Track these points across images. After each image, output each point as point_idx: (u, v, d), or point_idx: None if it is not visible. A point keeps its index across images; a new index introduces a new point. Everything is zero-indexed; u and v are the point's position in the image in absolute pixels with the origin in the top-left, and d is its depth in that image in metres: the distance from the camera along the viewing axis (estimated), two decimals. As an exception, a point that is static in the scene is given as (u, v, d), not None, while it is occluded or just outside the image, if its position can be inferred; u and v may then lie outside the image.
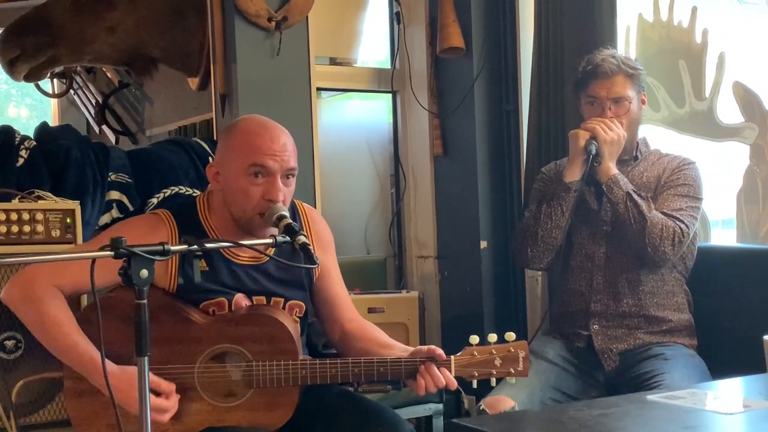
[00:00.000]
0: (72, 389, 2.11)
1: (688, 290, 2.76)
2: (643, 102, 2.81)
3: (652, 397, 1.81)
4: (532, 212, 2.81)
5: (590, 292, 2.73)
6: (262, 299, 2.20)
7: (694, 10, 3.18)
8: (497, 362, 2.10)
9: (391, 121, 4.13)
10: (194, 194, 3.18)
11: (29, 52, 3.72)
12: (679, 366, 2.52)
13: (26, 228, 2.59)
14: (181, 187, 3.21)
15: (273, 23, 3.33)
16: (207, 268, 2.11)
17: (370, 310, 3.53)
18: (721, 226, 3.25)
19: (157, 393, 2.02)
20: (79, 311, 2.18)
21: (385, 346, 2.19)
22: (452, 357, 2.09)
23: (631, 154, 2.81)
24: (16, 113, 6.87)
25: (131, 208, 3.14)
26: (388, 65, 4.07)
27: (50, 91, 4.92)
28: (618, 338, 2.68)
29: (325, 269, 2.31)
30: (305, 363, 2.09)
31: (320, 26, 3.62)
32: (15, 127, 3.12)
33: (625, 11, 3.33)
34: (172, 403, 2.04)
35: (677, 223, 2.62)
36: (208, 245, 1.81)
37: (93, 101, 4.72)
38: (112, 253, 1.64)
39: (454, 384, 2.08)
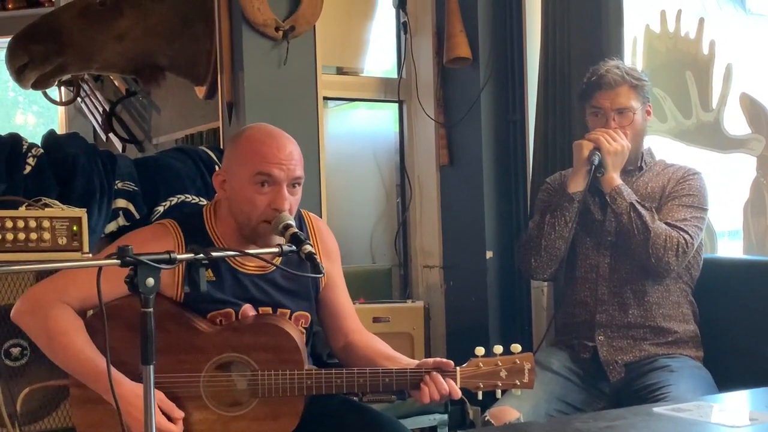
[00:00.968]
0: (78, 397, 2.10)
1: (694, 301, 2.75)
2: (648, 113, 2.81)
3: (658, 409, 1.81)
4: (536, 222, 2.81)
5: (595, 302, 2.72)
6: (269, 311, 2.20)
7: (701, 21, 3.18)
8: (503, 374, 2.09)
9: (398, 130, 4.14)
10: (201, 202, 3.18)
11: (37, 60, 3.73)
12: (685, 378, 2.51)
13: (33, 236, 2.59)
14: (188, 196, 3.22)
15: (280, 32, 3.34)
16: (214, 278, 2.11)
17: (375, 320, 3.53)
18: (727, 238, 3.24)
19: (168, 417, 2.03)
20: (85, 319, 2.18)
21: (388, 358, 2.19)
22: (458, 368, 2.08)
23: (635, 165, 2.81)
24: (24, 120, 6.88)
25: (138, 216, 3.15)
26: (394, 75, 4.08)
27: (58, 99, 4.93)
28: (623, 349, 2.67)
29: (331, 279, 2.30)
30: (311, 373, 2.09)
31: (327, 36, 3.63)
32: (22, 135, 3.14)
33: (633, 22, 3.33)
34: (179, 430, 2.05)
35: (681, 233, 2.61)
36: (214, 254, 1.81)
37: (100, 109, 4.73)
38: (119, 261, 1.64)
39: (458, 393, 2.07)
